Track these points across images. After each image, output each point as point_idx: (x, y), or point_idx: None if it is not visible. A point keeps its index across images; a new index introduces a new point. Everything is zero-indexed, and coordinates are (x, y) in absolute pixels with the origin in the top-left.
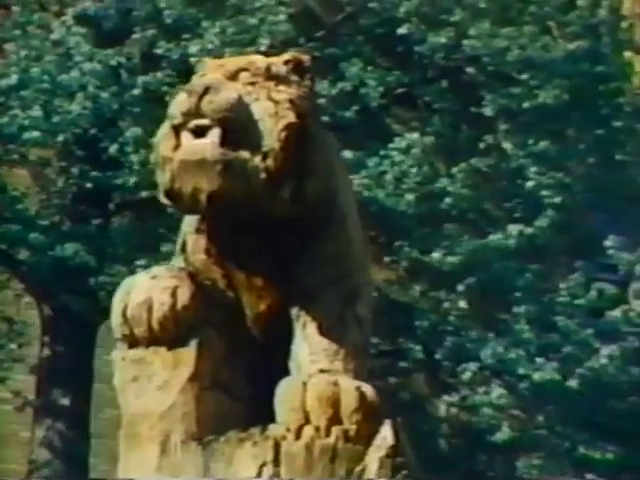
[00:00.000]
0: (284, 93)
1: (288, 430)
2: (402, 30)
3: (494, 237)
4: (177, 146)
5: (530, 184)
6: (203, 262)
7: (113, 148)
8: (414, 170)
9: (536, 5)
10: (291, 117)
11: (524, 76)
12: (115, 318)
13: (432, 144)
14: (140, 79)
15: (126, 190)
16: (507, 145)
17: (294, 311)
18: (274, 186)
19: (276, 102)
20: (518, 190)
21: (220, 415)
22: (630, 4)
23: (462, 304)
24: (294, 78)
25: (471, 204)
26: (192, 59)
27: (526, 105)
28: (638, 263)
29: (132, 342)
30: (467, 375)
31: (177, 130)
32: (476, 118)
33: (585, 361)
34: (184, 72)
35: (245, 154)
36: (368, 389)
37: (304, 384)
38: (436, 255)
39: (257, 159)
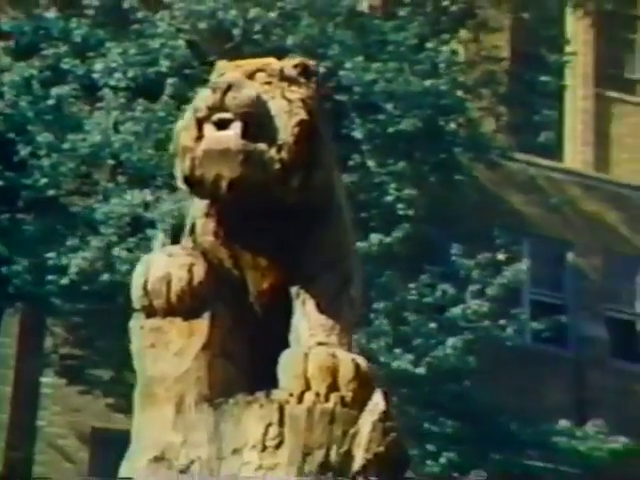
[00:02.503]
0: (296, 93)
1: (291, 395)
2: None
3: (359, 244)
4: (199, 137)
5: (389, 198)
6: (211, 243)
7: (25, 151)
8: None
9: (393, 45)
10: (303, 114)
11: (388, 105)
12: (135, 291)
13: None
14: (54, 90)
15: (36, 190)
16: (371, 163)
17: (294, 290)
18: (286, 175)
19: (289, 100)
20: (378, 203)
21: (227, 381)
22: (462, 50)
23: None
24: (302, 80)
25: None
26: (96, 75)
27: (389, 130)
28: (475, 269)
29: (150, 312)
30: None
31: (200, 123)
32: (346, 139)
33: (431, 351)
34: (88, 87)
35: (262, 146)
36: (362, 361)
37: (306, 355)
38: None
39: (273, 151)
